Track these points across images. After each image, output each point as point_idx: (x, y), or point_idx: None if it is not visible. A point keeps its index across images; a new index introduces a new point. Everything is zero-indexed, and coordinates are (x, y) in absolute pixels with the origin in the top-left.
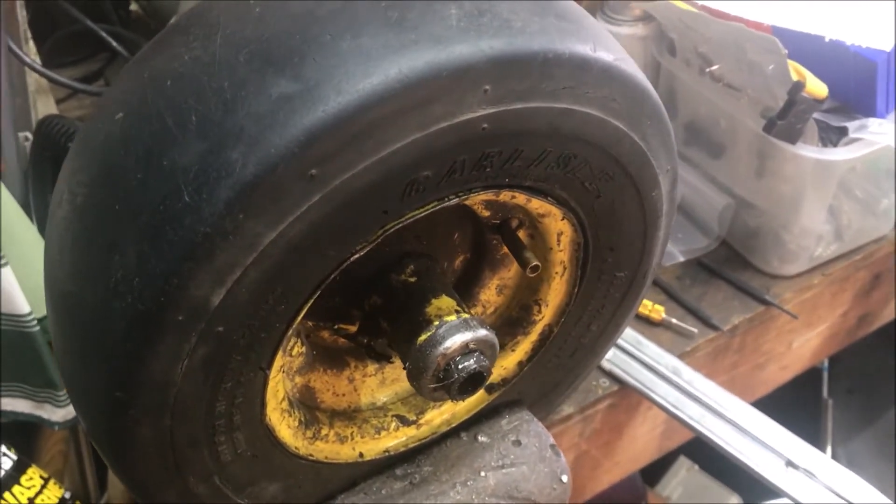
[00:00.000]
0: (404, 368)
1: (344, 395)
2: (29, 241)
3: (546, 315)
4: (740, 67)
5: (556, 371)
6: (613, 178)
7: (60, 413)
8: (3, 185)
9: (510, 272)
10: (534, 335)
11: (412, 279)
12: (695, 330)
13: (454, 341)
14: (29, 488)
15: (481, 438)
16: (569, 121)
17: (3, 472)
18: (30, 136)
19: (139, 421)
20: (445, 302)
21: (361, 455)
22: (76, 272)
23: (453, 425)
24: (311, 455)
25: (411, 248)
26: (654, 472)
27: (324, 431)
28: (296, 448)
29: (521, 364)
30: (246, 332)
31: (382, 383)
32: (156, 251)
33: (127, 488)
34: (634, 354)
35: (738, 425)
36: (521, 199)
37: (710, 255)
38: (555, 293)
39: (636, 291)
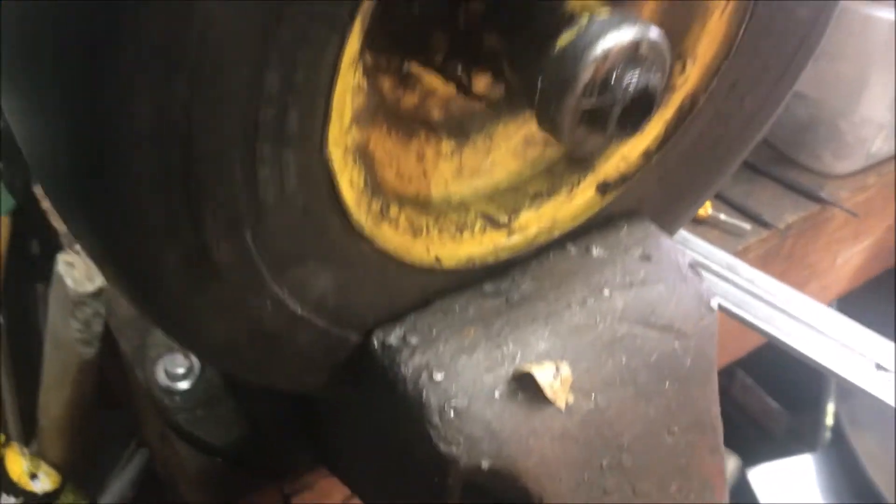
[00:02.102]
0: (528, 100)
1: (411, 179)
2: None
3: (691, 78)
4: None
5: (688, 172)
6: None
7: None
8: None
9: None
10: (670, 110)
11: None
12: (747, 227)
13: (617, 39)
14: None
15: (596, 251)
16: None
17: None
18: None
19: (135, 96)
20: None
21: (438, 260)
22: None
23: (555, 235)
24: (375, 240)
25: None
26: None
27: (392, 212)
28: (358, 221)
29: (647, 154)
30: None
31: (459, 173)
32: None
33: (108, 262)
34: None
35: (814, 327)
36: None
37: (750, 153)
38: (708, 40)
39: (811, 45)
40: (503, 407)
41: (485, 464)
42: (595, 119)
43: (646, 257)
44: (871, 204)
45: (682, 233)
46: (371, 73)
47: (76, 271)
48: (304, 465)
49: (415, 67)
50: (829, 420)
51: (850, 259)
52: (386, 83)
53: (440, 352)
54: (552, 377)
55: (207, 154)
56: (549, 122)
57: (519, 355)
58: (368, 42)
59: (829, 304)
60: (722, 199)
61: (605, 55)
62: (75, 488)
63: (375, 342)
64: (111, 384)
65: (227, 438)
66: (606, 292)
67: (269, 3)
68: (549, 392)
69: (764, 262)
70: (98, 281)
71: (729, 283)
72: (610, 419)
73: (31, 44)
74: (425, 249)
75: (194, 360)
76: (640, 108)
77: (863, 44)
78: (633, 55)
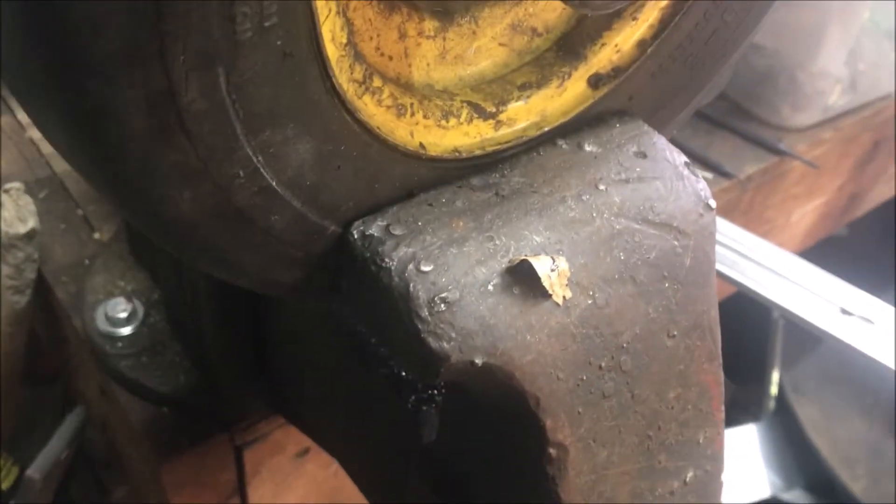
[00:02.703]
0: None
1: (391, 58)
2: None
3: None
4: None
5: (682, 68)
6: None
7: None
8: None
9: None
10: None
11: None
12: (709, 175)
13: None
14: None
15: (589, 147)
16: None
17: None
18: None
19: None
20: None
21: (423, 147)
22: None
23: (544, 129)
24: (358, 112)
25: None
26: None
27: (376, 83)
28: (340, 85)
29: (642, 44)
30: None
31: (442, 58)
32: None
33: (57, 105)
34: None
35: (778, 272)
36: None
37: (708, 106)
38: None
39: None
40: (497, 300)
41: (478, 360)
42: None
43: (641, 154)
44: (825, 159)
45: None
46: None
47: (6, 211)
48: (257, 413)
49: None
50: (773, 389)
51: (804, 217)
52: None
53: (427, 243)
54: (549, 270)
55: None
56: None
57: (513, 248)
58: None
59: None
60: (682, 149)
61: None
62: (6, 454)
63: (355, 233)
64: (41, 347)
65: (174, 385)
66: (602, 187)
67: None
68: (546, 284)
69: (723, 216)
70: (31, 222)
71: None
72: (609, 317)
73: None
74: (409, 133)
75: (137, 303)
76: None
77: None
78: None
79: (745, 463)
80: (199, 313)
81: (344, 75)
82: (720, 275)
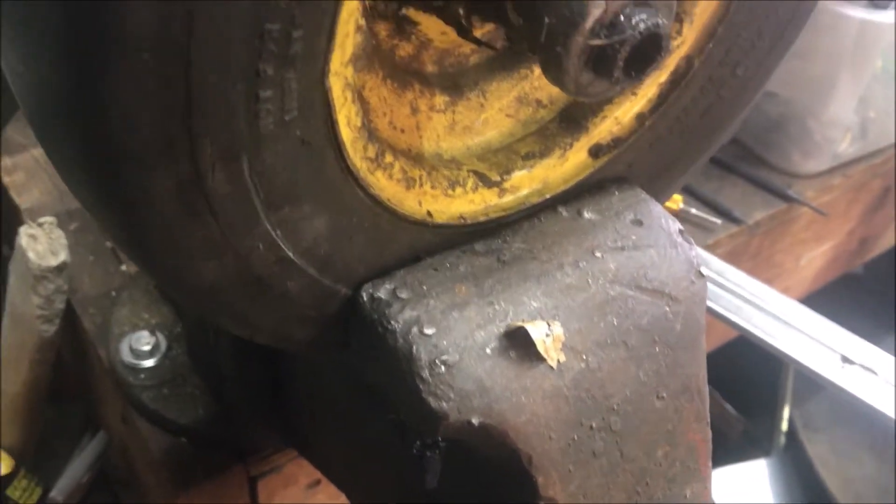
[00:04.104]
0: (531, 42)
1: (403, 130)
2: None
3: (687, 40)
4: None
5: (679, 139)
6: None
7: None
8: None
9: None
10: (665, 72)
11: None
12: (717, 221)
13: None
14: None
15: (588, 215)
16: None
17: None
18: None
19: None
20: None
21: (430, 215)
22: None
23: (546, 196)
24: (370, 186)
25: None
26: None
27: (388, 159)
28: (354, 163)
29: (641, 117)
30: None
31: (452, 129)
32: None
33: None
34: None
35: (782, 319)
36: None
37: (720, 150)
38: (705, 2)
39: (804, 14)
40: (495, 363)
41: (475, 420)
42: (601, 62)
43: (637, 222)
44: (835, 205)
45: None
46: (368, 17)
47: (39, 245)
48: (270, 447)
49: (412, 11)
50: (784, 425)
51: (812, 261)
52: (382, 30)
53: (431, 307)
54: (544, 335)
55: (209, 69)
56: (554, 64)
57: (511, 313)
58: None
59: None
60: (693, 195)
61: None
62: (29, 474)
63: (364, 295)
64: (65, 373)
65: (193, 417)
66: (598, 254)
67: None
68: (541, 349)
69: (731, 260)
70: (62, 255)
71: None
72: (601, 380)
73: None
74: (417, 202)
75: (160, 337)
76: (647, 52)
77: (833, 43)
78: None
79: (755, 498)
80: (218, 350)
81: (358, 155)
82: (725, 319)
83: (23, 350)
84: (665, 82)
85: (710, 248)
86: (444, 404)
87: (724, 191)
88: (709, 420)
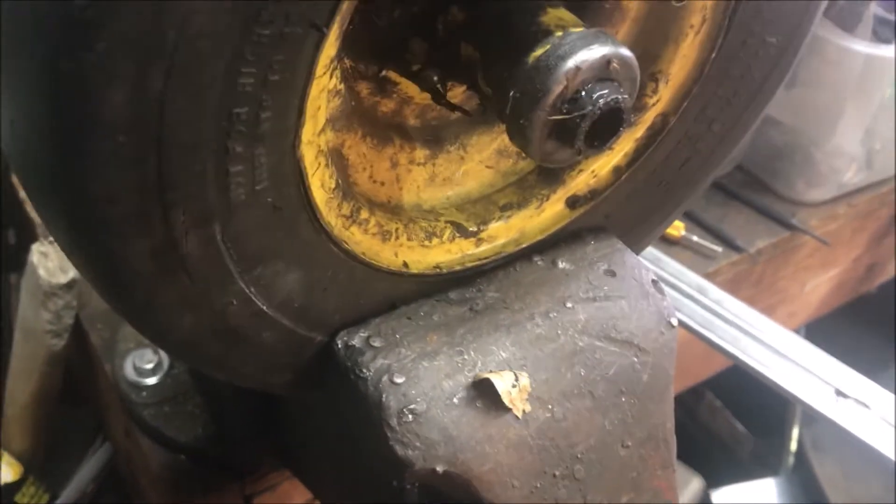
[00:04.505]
0: (499, 112)
1: (383, 183)
2: None
3: (663, 98)
4: None
5: (656, 191)
6: None
7: None
8: None
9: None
10: (641, 128)
11: None
12: (718, 249)
13: (589, 55)
14: None
15: (562, 265)
16: None
17: None
18: None
19: (110, 86)
20: (566, 15)
21: (406, 265)
22: None
23: (522, 246)
24: (345, 242)
25: None
26: None
27: (363, 215)
28: (328, 222)
29: (617, 171)
30: None
31: (431, 181)
32: None
33: (77, 252)
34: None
35: (779, 351)
36: None
37: (725, 177)
38: (682, 62)
39: (780, 73)
40: (461, 413)
41: (439, 468)
42: (564, 133)
43: (610, 273)
44: (839, 234)
45: (655, 252)
46: (349, 77)
47: (50, 262)
48: (266, 466)
49: (392, 73)
50: (793, 445)
51: (817, 287)
52: (363, 89)
53: (402, 355)
54: (510, 385)
55: (180, 147)
56: (519, 133)
57: (480, 363)
58: (347, 47)
59: (797, 331)
60: (695, 221)
61: (577, 69)
62: (37, 481)
63: (339, 343)
64: (76, 379)
65: (192, 435)
66: (570, 305)
67: (248, 1)
68: (506, 400)
69: (733, 287)
70: (71, 272)
71: (697, 305)
72: (566, 429)
73: (11, 28)
74: (394, 254)
75: (163, 355)
76: (608, 124)
77: (838, 74)
78: (604, 71)
79: None
80: None
81: (332, 214)
82: (720, 349)
83: (33, 362)
84: (641, 137)
85: (710, 276)
86: (410, 452)
87: (729, 217)
88: (675, 467)
